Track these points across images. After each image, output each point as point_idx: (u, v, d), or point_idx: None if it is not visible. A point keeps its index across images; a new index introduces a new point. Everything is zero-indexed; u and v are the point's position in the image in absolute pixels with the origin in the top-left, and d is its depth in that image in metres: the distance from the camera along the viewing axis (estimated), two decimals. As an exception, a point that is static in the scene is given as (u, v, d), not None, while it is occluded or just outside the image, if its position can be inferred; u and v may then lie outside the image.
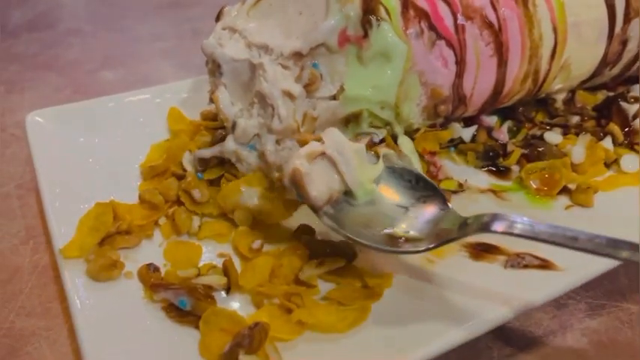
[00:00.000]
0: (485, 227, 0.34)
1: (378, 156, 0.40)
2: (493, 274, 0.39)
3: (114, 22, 0.85)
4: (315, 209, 0.36)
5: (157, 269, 0.38)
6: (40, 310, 0.40)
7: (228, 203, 0.42)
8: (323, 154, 0.36)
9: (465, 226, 0.35)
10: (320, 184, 0.36)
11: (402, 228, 0.37)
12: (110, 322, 0.35)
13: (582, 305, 0.41)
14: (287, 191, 0.38)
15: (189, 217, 0.42)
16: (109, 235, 0.39)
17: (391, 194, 0.39)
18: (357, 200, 0.37)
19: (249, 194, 0.42)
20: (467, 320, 0.35)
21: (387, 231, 0.37)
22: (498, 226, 0.34)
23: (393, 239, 0.36)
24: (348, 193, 0.37)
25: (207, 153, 0.45)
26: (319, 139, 0.38)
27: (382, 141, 0.46)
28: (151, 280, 0.37)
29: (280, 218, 0.43)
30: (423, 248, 0.35)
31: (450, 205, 0.38)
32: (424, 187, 0.39)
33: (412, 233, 0.37)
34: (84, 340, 0.33)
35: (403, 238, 0.36)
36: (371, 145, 0.41)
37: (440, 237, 0.35)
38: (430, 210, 0.38)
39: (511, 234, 0.33)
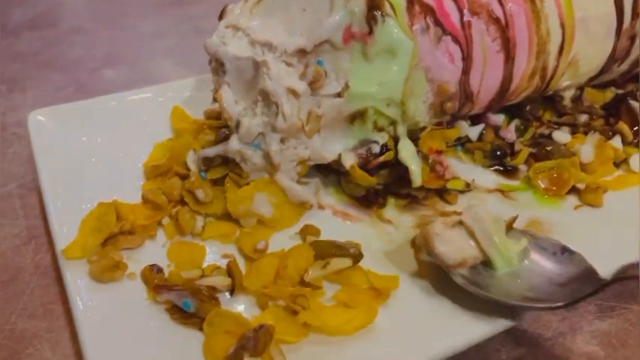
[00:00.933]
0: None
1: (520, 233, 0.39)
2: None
3: (115, 20, 0.84)
4: (446, 267, 0.36)
5: (160, 270, 0.37)
6: (41, 311, 0.39)
7: (239, 210, 0.42)
8: (460, 222, 0.36)
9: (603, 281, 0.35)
10: (451, 246, 0.35)
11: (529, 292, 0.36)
12: (113, 323, 0.34)
13: (592, 307, 0.41)
14: (418, 252, 0.38)
15: (192, 218, 0.42)
16: (112, 235, 0.39)
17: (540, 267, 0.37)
18: (496, 270, 0.36)
19: (261, 201, 0.42)
20: (475, 322, 0.35)
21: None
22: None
23: (516, 296, 0.35)
24: (487, 264, 0.36)
25: (210, 152, 0.45)
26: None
27: (384, 147, 0.45)
28: (155, 281, 0.36)
29: (289, 224, 0.43)
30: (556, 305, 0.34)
31: (598, 274, 0.36)
32: (569, 258, 0.37)
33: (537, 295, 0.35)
34: (86, 343, 0.33)
35: (523, 297, 0.35)
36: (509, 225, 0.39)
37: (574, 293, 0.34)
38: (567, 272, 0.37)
39: None
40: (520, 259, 0.37)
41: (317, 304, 0.36)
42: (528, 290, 0.35)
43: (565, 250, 0.37)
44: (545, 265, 0.37)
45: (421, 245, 0.37)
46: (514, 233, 0.38)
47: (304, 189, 0.44)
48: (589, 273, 0.35)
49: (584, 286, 0.34)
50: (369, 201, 0.45)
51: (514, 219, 0.39)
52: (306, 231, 0.41)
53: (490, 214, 0.37)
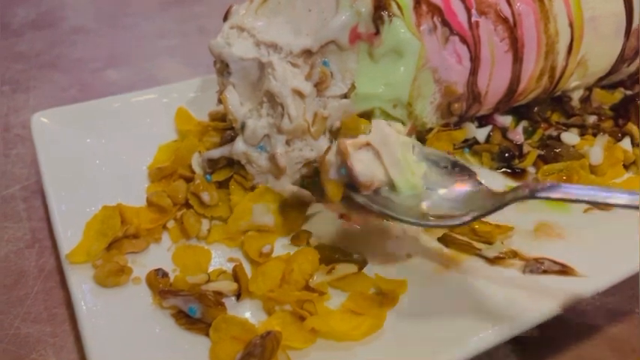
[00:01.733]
0: (526, 194, 0.32)
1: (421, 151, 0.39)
2: (511, 280, 0.38)
3: (118, 20, 0.84)
4: (356, 185, 0.35)
5: (165, 275, 0.37)
6: (45, 315, 0.39)
7: (241, 225, 0.41)
8: (368, 144, 0.35)
9: (501, 196, 0.34)
10: (363, 167, 0.34)
11: (433, 209, 0.35)
12: (118, 329, 0.34)
13: (602, 311, 0.40)
14: (325, 171, 0.37)
15: (198, 221, 0.41)
16: (117, 239, 0.39)
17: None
18: (399, 193, 0.35)
19: (261, 211, 0.41)
20: (485, 328, 0.34)
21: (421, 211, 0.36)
22: (542, 193, 0.32)
23: (423, 216, 0.35)
24: (391, 187, 0.36)
25: (216, 153, 0.44)
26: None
27: None
28: (160, 286, 0.36)
29: (293, 228, 0.42)
30: (459, 222, 0.34)
31: (482, 182, 0.36)
32: (460, 171, 0.38)
33: (443, 211, 0.35)
34: (91, 348, 0.33)
35: (431, 215, 0.35)
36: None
37: (474, 213, 0.34)
38: (462, 189, 0.36)
39: (547, 198, 0.32)
40: (424, 182, 0.36)
41: (324, 310, 0.36)
42: (431, 209, 0.35)
43: (455, 164, 0.37)
44: (440, 181, 0.37)
45: (331, 163, 0.35)
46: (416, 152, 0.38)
47: (299, 188, 0.43)
48: (484, 189, 0.35)
49: (484, 202, 0.34)
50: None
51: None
52: (300, 237, 0.41)
53: (397, 135, 0.36)
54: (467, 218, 0.34)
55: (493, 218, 0.43)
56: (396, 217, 0.35)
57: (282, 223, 0.42)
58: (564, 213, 0.45)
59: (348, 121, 0.43)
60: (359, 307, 0.35)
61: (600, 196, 0.31)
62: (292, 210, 0.43)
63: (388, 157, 0.35)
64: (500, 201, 0.33)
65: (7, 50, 0.75)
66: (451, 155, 0.39)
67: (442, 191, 0.37)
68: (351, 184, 0.35)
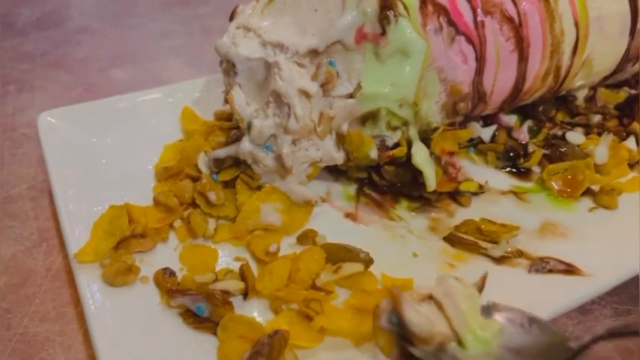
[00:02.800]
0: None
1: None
2: (516, 279, 0.38)
3: (123, 20, 0.84)
4: (411, 337, 0.31)
5: (173, 274, 0.37)
6: (54, 314, 0.39)
7: (249, 224, 0.41)
8: (430, 297, 0.32)
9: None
10: (420, 317, 0.31)
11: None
12: (126, 328, 0.34)
13: (608, 311, 0.40)
14: (377, 317, 0.33)
15: (204, 220, 0.41)
16: (124, 238, 0.39)
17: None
18: (468, 350, 0.31)
19: (268, 211, 0.41)
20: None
21: None
22: None
23: None
24: (460, 344, 0.31)
25: (222, 153, 0.44)
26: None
27: (396, 145, 0.45)
28: (168, 285, 0.36)
29: (299, 226, 0.42)
30: None
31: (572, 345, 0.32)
32: (539, 329, 0.33)
33: None
34: (99, 347, 0.33)
35: None
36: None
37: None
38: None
39: None
40: (497, 339, 0.32)
41: (331, 308, 0.36)
42: None
43: (533, 320, 0.33)
44: (515, 340, 0.32)
45: (384, 310, 0.32)
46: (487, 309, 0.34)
47: (305, 188, 0.44)
48: (558, 341, 0.32)
49: (556, 355, 0.31)
50: (379, 204, 0.45)
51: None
52: (306, 236, 0.41)
53: (463, 287, 0.33)
54: None
55: (499, 218, 0.43)
56: None
57: (288, 223, 0.42)
58: (570, 212, 0.45)
59: (353, 134, 0.43)
60: (364, 305, 0.36)
61: None
62: (298, 209, 0.43)
63: (452, 309, 0.31)
64: None
65: (13, 50, 0.75)
66: (527, 312, 0.34)
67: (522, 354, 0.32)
68: (407, 337, 0.32)
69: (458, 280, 0.33)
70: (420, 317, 0.31)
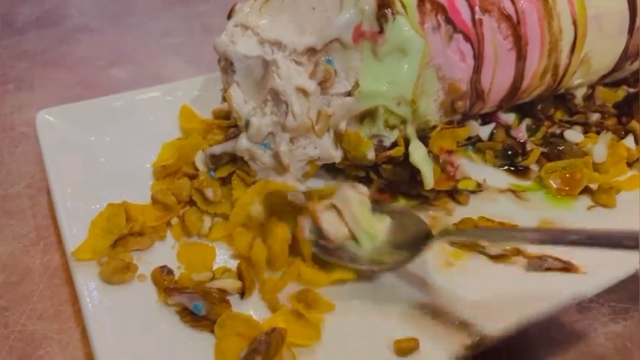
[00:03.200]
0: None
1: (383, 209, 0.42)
2: (514, 277, 0.38)
3: (122, 18, 0.84)
4: (325, 240, 0.39)
5: (170, 272, 0.37)
6: (51, 312, 0.39)
7: (244, 217, 0.41)
8: (332, 205, 0.40)
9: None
10: (329, 225, 0.39)
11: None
12: (123, 326, 0.34)
13: (606, 309, 0.40)
14: (300, 231, 0.40)
15: (199, 219, 0.41)
16: (122, 236, 0.39)
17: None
18: (362, 246, 0.39)
19: (258, 207, 0.41)
20: (486, 325, 0.34)
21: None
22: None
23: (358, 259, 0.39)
24: (356, 242, 0.40)
25: (218, 149, 0.45)
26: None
27: (393, 144, 0.45)
28: (165, 283, 0.36)
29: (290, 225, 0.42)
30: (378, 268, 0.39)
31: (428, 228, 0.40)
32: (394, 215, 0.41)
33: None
34: (97, 345, 0.33)
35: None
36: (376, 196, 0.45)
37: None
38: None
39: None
40: (385, 234, 0.40)
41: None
42: (381, 256, 0.39)
43: (402, 213, 0.42)
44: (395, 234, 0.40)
45: (305, 224, 0.39)
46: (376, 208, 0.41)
47: (302, 186, 0.43)
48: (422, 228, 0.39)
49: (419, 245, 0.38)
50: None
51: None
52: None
53: (357, 195, 0.40)
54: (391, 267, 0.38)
55: (498, 216, 0.43)
56: (359, 268, 0.39)
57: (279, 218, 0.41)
58: (568, 210, 0.45)
59: (351, 134, 0.43)
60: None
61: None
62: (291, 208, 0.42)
63: (348, 214, 0.39)
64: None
65: (12, 48, 0.75)
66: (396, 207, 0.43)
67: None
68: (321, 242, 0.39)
69: (353, 187, 0.41)
70: (329, 226, 0.39)
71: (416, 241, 0.38)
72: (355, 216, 0.39)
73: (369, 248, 0.39)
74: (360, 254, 0.39)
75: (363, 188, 0.42)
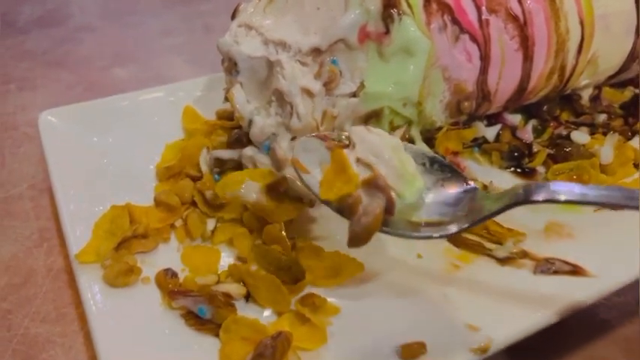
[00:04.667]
0: (523, 198, 0.30)
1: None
2: (521, 281, 0.38)
3: (124, 18, 0.84)
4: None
5: (174, 275, 0.37)
6: (55, 315, 0.39)
7: (225, 195, 0.40)
8: (358, 160, 0.33)
9: (496, 201, 0.32)
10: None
11: (420, 215, 0.33)
12: (127, 329, 0.34)
13: (614, 312, 0.40)
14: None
15: (202, 221, 0.41)
16: (126, 238, 0.38)
17: None
18: (406, 200, 0.32)
19: (250, 188, 0.40)
20: (494, 329, 0.34)
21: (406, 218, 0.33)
22: (539, 195, 0.30)
23: (415, 226, 0.33)
24: (399, 195, 0.33)
25: (225, 154, 0.44)
26: (346, 144, 0.34)
27: None
28: (169, 286, 0.36)
29: (283, 217, 0.41)
30: (453, 231, 0.32)
31: (472, 183, 0.34)
32: (440, 169, 0.35)
33: (435, 218, 0.33)
34: (100, 348, 0.32)
35: (424, 223, 0.33)
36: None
37: (469, 218, 0.32)
38: (450, 192, 0.34)
39: (554, 201, 0.30)
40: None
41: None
42: (422, 217, 0.33)
43: (434, 161, 0.35)
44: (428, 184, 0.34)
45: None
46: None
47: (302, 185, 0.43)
48: (474, 190, 0.33)
49: (475, 204, 0.32)
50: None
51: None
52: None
53: (387, 139, 0.33)
54: (454, 229, 0.32)
55: (504, 218, 0.43)
56: (389, 232, 0.33)
57: (273, 209, 0.40)
58: (575, 212, 0.44)
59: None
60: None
61: (605, 194, 0.29)
62: (289, 201, 0.41)
63: (384, 168, 0.32)
64: (494, 205, 0.31)
65: (14, 48, 0.75)
66: (427, 150, 0.37)
67: (430, 195, 0.34)
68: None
69: (369, 131, 0.33)
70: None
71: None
72: (395, 166, 0.32)
73: (414, 202, 0.33)
74: (406, 212, 0.32)
75: (382, 131, 0.34)
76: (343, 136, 0.36)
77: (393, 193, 0.32)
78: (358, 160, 0.32)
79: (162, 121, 0.51)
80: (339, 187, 0.33)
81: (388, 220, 0.32)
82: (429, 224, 0.33)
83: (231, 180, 0.41)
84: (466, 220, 0.32)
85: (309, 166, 0.35)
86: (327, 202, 0.33)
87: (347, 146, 0.34)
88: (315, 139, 0.36)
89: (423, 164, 0.35)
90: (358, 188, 0.32)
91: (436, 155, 0.36)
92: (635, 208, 0.29)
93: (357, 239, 0.31)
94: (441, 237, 0.33)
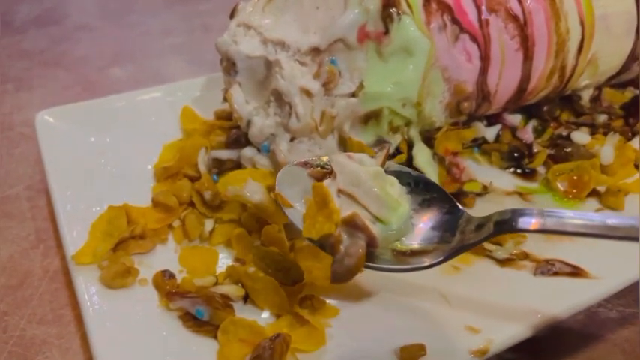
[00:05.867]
0: (507, 226, 0.30)
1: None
2: (521, 282, 0.38)
3: (122, 17, 0.83)
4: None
5: (172, 276, 0.37)
6: (51, 316, 0.39)
7: (228, 191, 0.40)
8: (339, 192, 0.32)
9: (481, 228, 0.31)
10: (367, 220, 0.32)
11: (404, 241, 0.33)
12: (124, 330, 0.34)
13: (614, 313, 0.40)
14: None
15: (200, 222, 0.41)
16: (123, 239, 0.38)
17: None
18: (391, 226, 0.32)
19: (252, 188, 0.40)
20: (493, 331, 0.34)
21: (391, 246, 0.32)
22: (524, 224, 0.29)
23: (399, 255, 0.32)
24: (382, 222, 0.32)
25: (224, 155, 0.44)
26: (327, 172, 0.34)
27: (397, 150, 0.44)
28: (167, 287, 0.35)
29: (284, 220, 0.40)
30: (428, 263, 0.31)
31: (459, 206, 0.34)
32: (425, 189, 0.34)
33: (418, 245, 0.32)
34: (97, 350, 0.32)
35: (409, 251, 0.32)
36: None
37: (452, 246, 0.31)
38: (435, 214, 0.33)
39: (540, 231, 0.29)
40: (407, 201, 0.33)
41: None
42: (405, 243, 0.32)
43: (418, 180, 0.34)
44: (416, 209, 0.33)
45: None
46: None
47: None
48: (444, 197, 0.33)
49: (461, 229, 0.31)
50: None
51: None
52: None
53: (366, 168, 0.32)
54: (439, 258, 0.31)
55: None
56: (374, 267, 0.32)
57: (273, 211, 0.40)
58: (575, 213, 0.44)
59: (354, 142, 0.42)
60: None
61: (596, 224, 0.28)
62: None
63: (366, 198, 0.31)
64: (479, 234, 0.31)
65: (11, 48, 0.74)
66: (411, 170, 0.36)
67: (416, 217, 0.33)
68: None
69: (350, 158, 0.32)
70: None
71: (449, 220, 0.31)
72: (377, 195, 0.31)
73: (399, 226, 0.32)
74: (392, 239, 0.32)
75: (364, 157, 0.34)
76: (325, 164, 0.36)
77: (375, 227, 0.31)
78: (340, 191, 0.32)
79: (160, 121, 0.50)
80: (321, 224, 0.32)
81: (373, 253, 0.32)
82: (414, 252, 0.32)
83: (233, 178, 0.40)
84: (450, 247, 0.32)
85: (291, 200, 0.34)
86: (309, 239, 0.33)
87: (330, 173, 0.34)
88: (297, 168, 0.36)
89: (409, 184, 0.35)
90: (339, 226, 0.31)
91: (420, 174, 0.36)
92: (620, 238, 0.28)
93: (340, 278, 0.31)
94: (426, 268, 0.32)
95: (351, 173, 0.32)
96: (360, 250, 0.30)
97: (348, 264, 0.30)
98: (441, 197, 0.34)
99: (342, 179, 0.32)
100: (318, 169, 0.36)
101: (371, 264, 0.32)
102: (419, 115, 0.44)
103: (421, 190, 0.35)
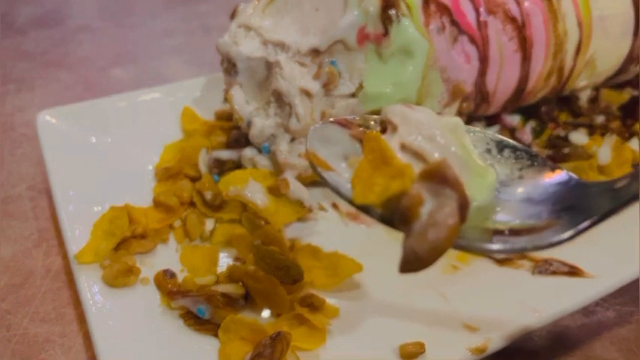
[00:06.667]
0: None
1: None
2: (520, 281, 0.38)
3: (123, 19, 0.84)
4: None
5: (173, 275, 0.37)
6: (54, 315, 0.39)
7: (229, 190, 0.40)
8: (403, 147, 0.23)
9: (609, 195, 0.23)
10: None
11: (501, 219, 0.24)
12: (127, 329, 0.34)
13: (611, 313, 0.40)
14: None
15: (201, 222, 0.41)
16: (125, 239, 0.38)
17: None
18: (476, 201, 0.23)
19: (256, 188, 0.41)
20: (492, 330, 0.34)
21: (485, 226, 0.24)
22: None
23: (494, 234, 0.24)
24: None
25: (224, 155, 0.44)
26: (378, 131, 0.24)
27: None
28: (168, 286, 0.36)
29: (284, 220, 0.41)
30: (565, 237, 0.23)
31: (564, 171, 0.25)
32: (514, 155, 0.26)
33: (520, 222, 0.24)
34: (100, 348, 0.32)
35: (507, 231, 0.24)
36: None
37: (571, 219, 0.22)
38: (538, 184, 0.25)
39: None
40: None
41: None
42: (503, 221, 0.23)
43: (502, 144, 0.25)
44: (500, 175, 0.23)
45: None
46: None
47: (302, 187, 0.43)
48: (573, 179, 0.23)
49: (574, 200, 0.23)
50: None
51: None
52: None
53: (438, 119, 0.23)
54: (568, 233, 0.22)
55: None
56: (467, 246, 0.23)
57: (272, 211, 0.40)
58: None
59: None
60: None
61: None
62: (289, 204, 0.42)
63: (442, 156, 0.23)
64: (606, 201, 0.22)
65: (12, 49, 0.75)
66: (490, 132, 0.26)
67: (507, 191, 0.24)
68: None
69: (412, 109, 0.23)
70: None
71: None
72: (456, 154, 0.22)
73: (490, 200, 0.24)
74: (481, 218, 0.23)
75: (428, 110, 0.24)
76: (372, 122, 0.27)
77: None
78: (403, 147, 0.23)
79: (161, 121, 0.51)
80: (384, 184, 0.23)
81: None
82: (513, 232, 0.24)
83: (233, 178, 0.41)
84: (568, 223, 0.23)
85: (330, 161, 0.25)
86: (365, 208, 0.24)
87: (382, 132, 0.25)
88: (333, 126, 0.27)
89: (488, 150, 0.26)
90: (414, 183, 0.22)
91: (504, 138, 0.27)
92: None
93: (418, 261, 0.21)
94: (537, 249, 0.24)
95: (420, 124, 0.22)
96: (452, 217, 0.21)
97: (435, 237, 0.21)
98: (537, 163, 0.26)
99: (407, 131, 0.23)
100: (362, 129, 0.27)
101: (464, 243, 0.23)
102: (418, 116, 0.45)
103: (507, 157, 0.26)
